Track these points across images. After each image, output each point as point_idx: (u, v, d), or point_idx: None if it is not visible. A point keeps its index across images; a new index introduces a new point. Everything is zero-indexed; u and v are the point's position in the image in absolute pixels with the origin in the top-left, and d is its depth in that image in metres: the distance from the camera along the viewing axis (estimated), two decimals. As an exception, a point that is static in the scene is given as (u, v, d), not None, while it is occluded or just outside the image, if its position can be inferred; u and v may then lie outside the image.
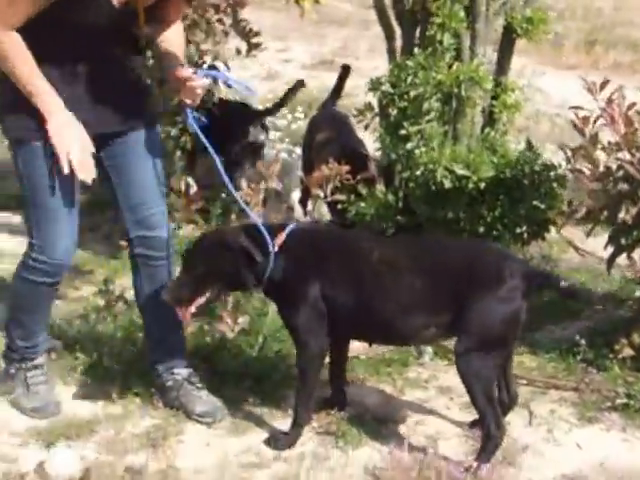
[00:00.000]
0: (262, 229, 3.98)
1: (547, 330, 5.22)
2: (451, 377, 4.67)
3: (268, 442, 4.14)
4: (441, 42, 5.05)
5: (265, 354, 4.70)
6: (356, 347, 4.69)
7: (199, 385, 4.38)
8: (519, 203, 5.08)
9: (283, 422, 4.30)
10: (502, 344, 3.90)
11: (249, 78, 8.70)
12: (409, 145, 5.12)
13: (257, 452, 4.15)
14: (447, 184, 4.95)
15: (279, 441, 4.12)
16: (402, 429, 4.33)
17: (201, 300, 4.00)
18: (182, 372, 4.35)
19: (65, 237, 4.04)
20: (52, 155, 3.84)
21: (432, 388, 4.67)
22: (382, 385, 4.68)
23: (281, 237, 3.99)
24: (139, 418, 4.35)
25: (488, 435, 3.87)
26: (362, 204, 5.35)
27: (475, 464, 3.85)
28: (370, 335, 4.20)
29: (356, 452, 4.16)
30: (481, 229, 5.16)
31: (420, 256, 4.02)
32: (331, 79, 7.09)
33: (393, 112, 5.19)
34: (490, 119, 5.52)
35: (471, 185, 4.99)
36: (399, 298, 3.92)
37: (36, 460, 3.90)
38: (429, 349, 4.90)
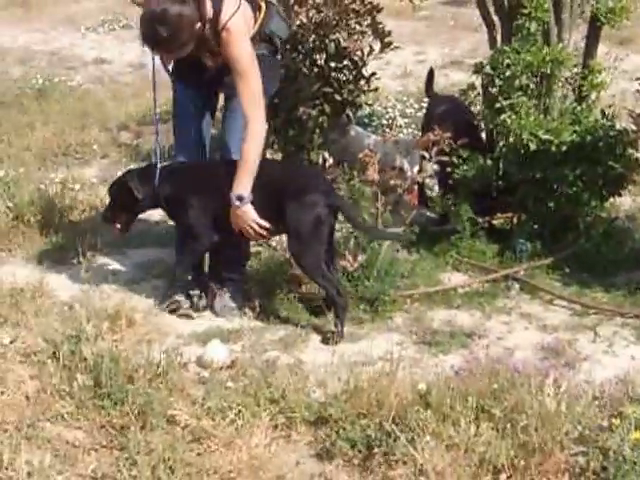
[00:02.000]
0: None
1: (622, 276, 6.07)
2: (533, 306, 5.63)
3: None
4: (528, 29, 5.98)
5: (378, 284, 5.66)
6: (456, 281, 5.70)
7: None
8: (597, 164, 5.96)
9: (379, 335, 5.35)
10: (315, 236, 5.20)
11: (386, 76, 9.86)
12: (503, 116, 6.06)
13: (366, 354, 5.13)
14: (532, 146, 5.88)
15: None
16: (484, 342, 5.25)
17: (122, 220, 5.63)
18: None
19: None
20: None
21: (514, 314, 5.59)
22: (473, 311, 5.62)
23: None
24: (275, 329, 5.39)
25: (333, 302, 5.27)
26: (465, 167, 6.28)
27: (335, 328, 5.19)
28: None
29: (445, 357, 5.11)
30: (566, 188, 6.05)
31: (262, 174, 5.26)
32: (459, 77, 8.07)
33: (492, 90, 6.13)
34: (580, 97, 6.42)
35: (554, 148, 5.91)
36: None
37: (196, 354, 5.03)
38: (516, 285, 5.83)
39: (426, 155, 5.95)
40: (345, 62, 7.39)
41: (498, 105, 6.05)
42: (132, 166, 7.82)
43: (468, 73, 7.22)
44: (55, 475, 4.03)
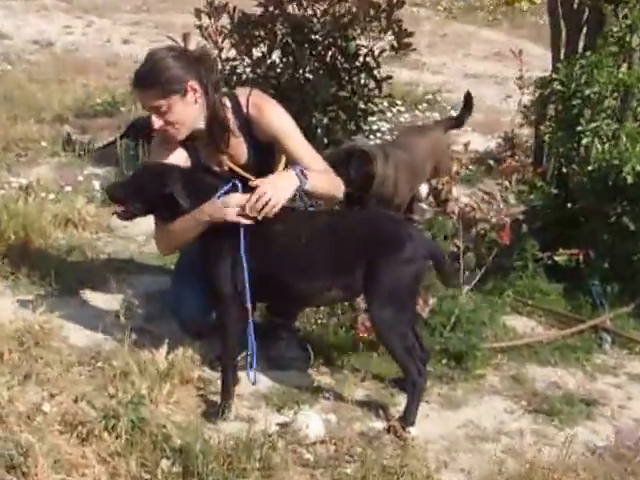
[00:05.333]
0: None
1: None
2: (637, 365, 4.89)
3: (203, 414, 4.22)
4: (630, 42, 5.21)
5: (463, 335, 4.79)
6: (540, 331, 4.91)
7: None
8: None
9: (480, 399, 4.52)
10: (411, 299, 4.20)
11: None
12: (585, 141, 5.27)
13: (476, 425, 4.28)
14: (630, 180, 5.12)
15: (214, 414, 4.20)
16: (607, 411, 4.47)
17: (132, 207, 4.37)
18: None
19: None
20: None
21: (621, 374, 4.84)
22: (572, 369, 4.83)
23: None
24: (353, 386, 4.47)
25: (413, 383, 4.17)
26: (532, 196, 5.48)
27: (406, 413, 4.17)
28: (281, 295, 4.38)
29: (571, 430, 4.30)
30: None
31: (322, 224, 4.31)
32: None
33: (567, 110, 5.34)
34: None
35: (648, 181, 5.17)
36: (302, 263, 4.18)
37: (270, 421, 4.07)
38: (608, 337, 5.08)
39: (506, 183, 5.07)
40: (358, 63, 6.44)
41: (579, 128, 5.23)
42: (97, 170, 6.83)
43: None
44: None
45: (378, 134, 7.56)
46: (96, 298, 5.20)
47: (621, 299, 5.45)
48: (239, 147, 4.48)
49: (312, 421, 4.08)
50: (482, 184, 6.25)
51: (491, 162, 7.06)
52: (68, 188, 6.40)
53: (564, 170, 5.64)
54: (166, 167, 4.35)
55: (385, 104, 7.35)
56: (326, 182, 4.43)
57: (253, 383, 4.24)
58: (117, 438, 3.80)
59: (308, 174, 4.24)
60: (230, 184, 4.22)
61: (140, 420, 3.86)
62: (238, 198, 4.18)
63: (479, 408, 4.44)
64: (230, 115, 4.40)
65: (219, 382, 4.32)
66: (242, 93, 4.48)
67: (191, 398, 4.29)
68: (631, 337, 5.11)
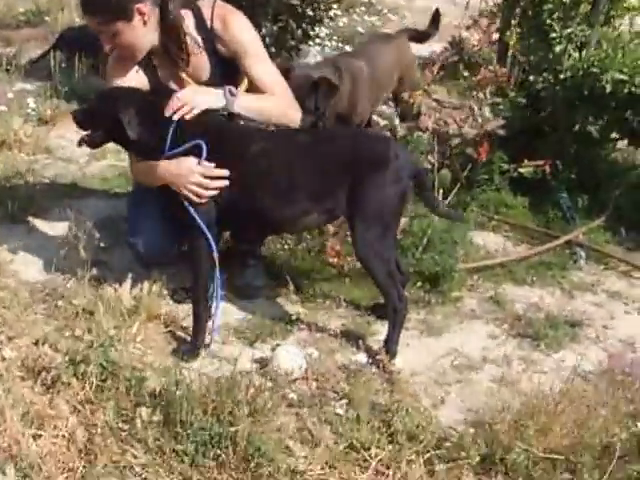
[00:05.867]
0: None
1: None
2: (613, 281, 4.75)
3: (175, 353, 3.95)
4: None
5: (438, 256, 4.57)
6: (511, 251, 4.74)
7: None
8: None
9: (460, 324, 4.35)
10: (395, 222, 3.96)
11: None
12: (558, 48, 5.04)
13: (460, 352, 4.09)
14: (608, 88, 4.90)
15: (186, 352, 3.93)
16: (592, 333, 4.31)
17: (89, 133, 4.01)
18: None
19: None
20: None
21: (601, 292, 4.68)
22: (549, 288, 4.66)
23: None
24: (326, 317, 4.26)
25: (394, 309, 3.95)
26: (501, 106, 5.24)
27: (388, 340, 3.95)
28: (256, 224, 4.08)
29: (557, 354, 4.13)
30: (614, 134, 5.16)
31: (302, 145, 3.98)
32: None
33: (536, 15, 5.07)
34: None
35: (626, 90, 4.93)
36: (279, 186, 3.89)
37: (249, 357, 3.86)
38: (582, 253, 4.90)
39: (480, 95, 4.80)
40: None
41: (553, 35, 4.97)
42: (28, 86, 6.40)
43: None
44: None
45: (320, 40, 7.21)
46: (42, 227, 4.87)
47: (590, 212, 5.28)
48: (200, 64, 4.15)
49: (292, 356, 3.83)
50: (450, 96, 5.95)
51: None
52: (1, 107, 5.94)
53: (531, 79, 5.35)
54: (121, 92, 3.99)
55: (333, 12, 6.96)
56: (269, 108, 4.10)
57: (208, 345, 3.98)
58: (86, 385, 3.50)
59: (238, 95, 3.96)
60: (192, 143, 3.86)
61: (110, 364, 3.57)
62: (194, 166, 3.84)
63: (461, 334, 4.25)
64: (192, 30, 4.06)
65: (188, 316, 4.03)
66: (206, 5, 4.13)
67: (159, 335, 4.03)
68: (606, 252, 4.93)
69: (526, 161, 5.40)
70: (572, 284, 4.71)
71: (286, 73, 4.46)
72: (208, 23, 4.11)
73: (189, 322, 4.06)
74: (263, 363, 3.86)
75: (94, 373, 3.52)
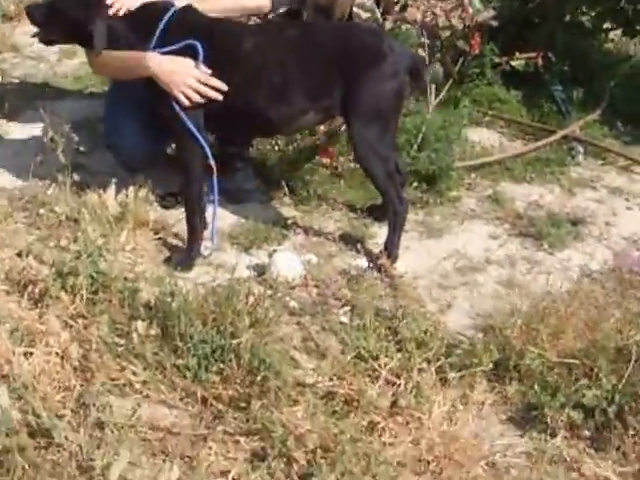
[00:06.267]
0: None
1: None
2: (613, 176, 4.60)
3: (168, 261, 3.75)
4: None
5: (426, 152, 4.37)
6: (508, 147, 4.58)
7: None
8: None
9: (460, 224, 4.19)
10: (394, 119, 3.74)
11: None
12: None
13: (462, 254, 3.94)
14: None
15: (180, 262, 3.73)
16: (595, 230, 4.17)
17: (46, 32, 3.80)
18: None
19: None
20: None
21: (601, 188, 4.54)
22: (548, 185, 4.50)
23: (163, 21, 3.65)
24: (321, 220, 4.08)
25: (395, 211, 3.77)
26: (492, -4, 5.01)
27: (387, 239, 3.80)
28: (248, 126, 3.88)
29: (561, 254, 3.99)
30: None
31: (294, 40, 3.73)
32: None
33: None
34: None
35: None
36: (274, 85, 3.66)
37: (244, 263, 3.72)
38: (579, 148, 4.73)
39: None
40: None
41: None
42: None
43: None
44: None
45: None
46: (14, 131, 4.63)
47: (585, 104, 5.11)
48: None
49: (290, 262, 3.66)
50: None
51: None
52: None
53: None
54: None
55: None
56: None
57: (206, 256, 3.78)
58: (77, 298, 3.30)
59: None
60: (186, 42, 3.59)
61: (101, 275, 3.37)
62: (191, 68, 3.58)
63: (461, 235, 4.09)
64: None
65: (178, 222, 3.84)
66: None
67: (149, 243, 3.83)
68: (604, 147, 4.76)
69: (517, 54, 5.17)
70: (571, 181, 4.57)
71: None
72: None
73: (180, 228, 3.88)
74: (260, 270, 3.67)
75: (84, 285, 3.31)
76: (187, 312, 3.17)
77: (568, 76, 5.16)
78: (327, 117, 3.86)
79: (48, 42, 3.94)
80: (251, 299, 3.28)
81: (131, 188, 3.85)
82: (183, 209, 3.82)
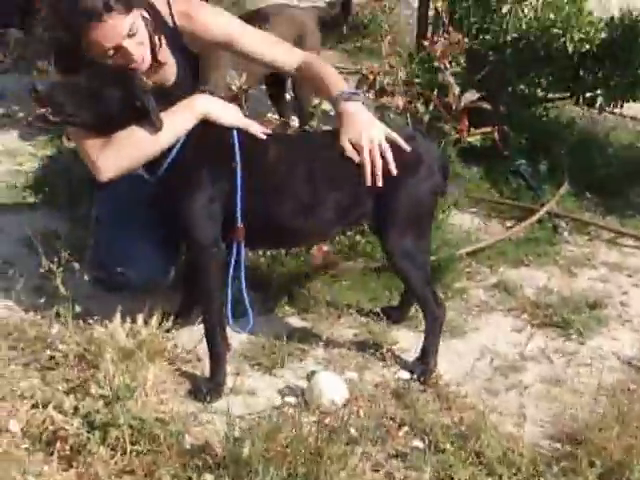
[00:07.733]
0: None
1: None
2: (604, 251, 4.55)
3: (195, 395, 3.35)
4: None
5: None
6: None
7: None
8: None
9: (478, 319, 3.98)
10: (430, 222, 3.56)
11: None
12: (505, 9, 4.70)
13: (495, 353, 3.72)
14: (570, 49, 4.60)
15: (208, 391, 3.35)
16: (613, 312, 4.03)
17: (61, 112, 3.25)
18: None
19: None
20: None
21: (599, 266, 4.44)
22: (547, 267, 4.36)
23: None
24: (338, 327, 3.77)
25: (434, 318, 3.54)
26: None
27: (425, 347, 3.57)
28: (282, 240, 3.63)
29: (592, 342, 3.84)
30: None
31: (321, 150, 3.46)
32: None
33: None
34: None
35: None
36: (305, 198, 3.38)
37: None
38: (562, 224, 4.62)
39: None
40: None
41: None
42: None
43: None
44: None
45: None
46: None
47: (552, 177, 4.99)
48: (167, 69, 3.57)
49: (333, 383, 3.34)
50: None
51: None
52: None
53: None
54: (132, 72, 3.33)
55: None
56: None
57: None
58: (114, 451, 2.89)
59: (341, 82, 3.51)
60: None
61: (138, 421, 2.97)
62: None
63: (484, 331, 3.89)
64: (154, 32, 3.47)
65: (187, 346, 3.48)
66: (160, 2, 3.57)
67: (167, 375, 3.40)
68: (591, 221, 4.68)
69: (472, 129, 5.01)
70: (567, 260, 4.44)
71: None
72: (170, 22, 3.56)
73: (190, 354, 3.49)
74: (295, 393, 3.34)
75: (127, 439, 2.89)
76: (260, 457, 2.80)
77: (525, 148, 5.02)
78: (357, 224, 3.59)
79: (53, 123, 3.30)
80: (318, 434, 2.93)
81: (141, 316, 3.43)
82: (186, 331, 3.50)
